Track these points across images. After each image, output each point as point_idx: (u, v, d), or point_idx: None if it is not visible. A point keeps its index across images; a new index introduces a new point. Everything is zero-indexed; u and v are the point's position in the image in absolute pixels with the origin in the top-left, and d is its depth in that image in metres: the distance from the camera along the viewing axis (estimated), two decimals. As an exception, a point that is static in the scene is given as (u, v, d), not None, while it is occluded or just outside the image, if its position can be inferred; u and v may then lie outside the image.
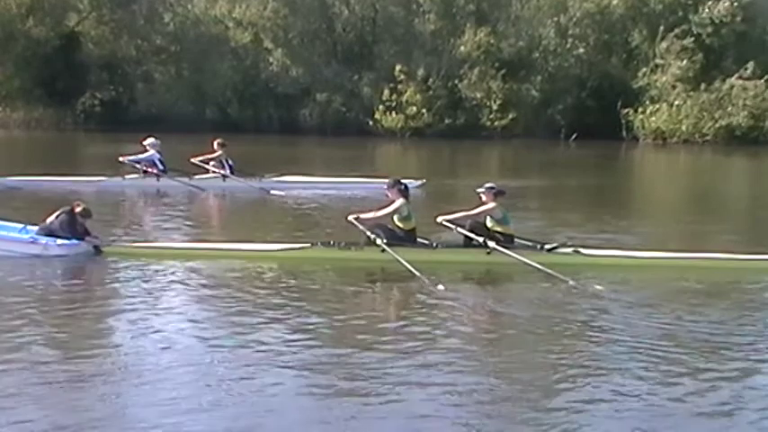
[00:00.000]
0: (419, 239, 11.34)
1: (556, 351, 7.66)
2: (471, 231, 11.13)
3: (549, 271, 10.14)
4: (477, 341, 8.20)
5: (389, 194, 11.48)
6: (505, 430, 5.96)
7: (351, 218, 11.34)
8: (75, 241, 11.21)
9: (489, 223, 11.25)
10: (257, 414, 6.13)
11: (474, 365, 7.29)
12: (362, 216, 11.31)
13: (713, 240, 13.17)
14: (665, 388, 6.69)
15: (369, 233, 11.09)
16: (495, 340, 8.30)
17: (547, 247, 11.22)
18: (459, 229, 11.22)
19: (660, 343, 7.85)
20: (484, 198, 11.34)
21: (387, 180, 12.00)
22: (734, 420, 6.20)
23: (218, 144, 19.66)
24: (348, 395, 6.45)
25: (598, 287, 9.82)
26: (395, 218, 11.27)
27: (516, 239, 11.29)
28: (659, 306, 9.35)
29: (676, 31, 40.53)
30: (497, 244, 10.94)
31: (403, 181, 11.81)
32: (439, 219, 11.39)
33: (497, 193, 11.33)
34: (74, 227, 11.33)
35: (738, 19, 40.79)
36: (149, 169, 19.17)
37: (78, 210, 11.51)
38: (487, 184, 11.48)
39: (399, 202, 11.25)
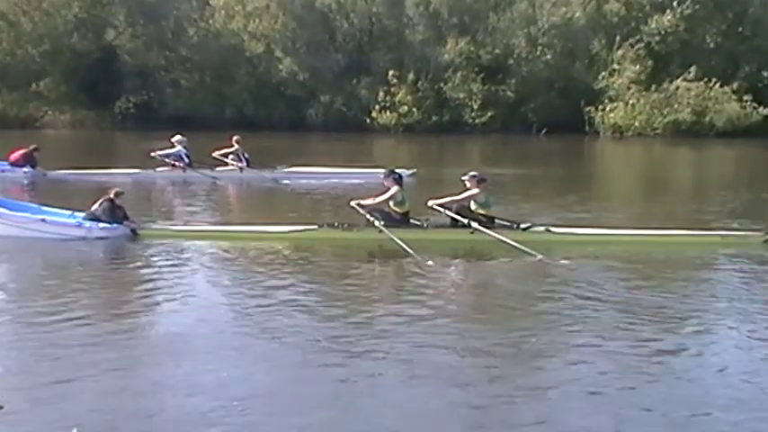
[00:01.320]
0: (412, 221, 11.27)
1: (528, 315, 7.67)
2: (457, 214, 11.08)
3: (524, 248, 10.08)
4: (461, 308, 8.18)
5: (385, 183, 11.40)
6: (486, 382, 5.92)
7: (353, 203, 11.28)
8: (115, 225, 11.16)
9: (473, 206, 11.17)
10: (271, 371, 6.12)
11: (458, 328, 7.27)
12: (363, 202, 11.26)
13: (665, 219, 13.15)
14: (622, 345, 6.69)
15: (368, 216, 11.04)
16: (477, 307, 8.29)
17: (522, 226, 11.16)
18: (447, 212, 11.16)
19: (617, 306, 7.87)
20: (468, 185, 11.25)
21: (383, 170, 11.93)
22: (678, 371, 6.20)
23: (235, 140, 19.53)
24: (349, 355, 6.41)
25: (564, 261, 9.78)
26: (391, 203, 11.19)
27: (496, 220, 11.22)
28: (618, 276, 9.34)
29: (630, 40, 40.41)
30: (479, 224, 10.88)
31: (397, 171, 11.74)
32: (430, 203, 11.32)
33: (480, 180, 11.25)
34: (114, 212, 11.28)
35: (681, 29, 40.72)
36: (177, 163, 19.06)
37: (113, 194, 11.47)
38: (471, 173, 11.40)
39: (394, 189, 11.18)
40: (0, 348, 6.64)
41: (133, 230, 11.20)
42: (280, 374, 6.08)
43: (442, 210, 11.22)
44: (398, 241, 10.20)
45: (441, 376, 6.02)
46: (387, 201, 11.19)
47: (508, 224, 11.21)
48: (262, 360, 6.34)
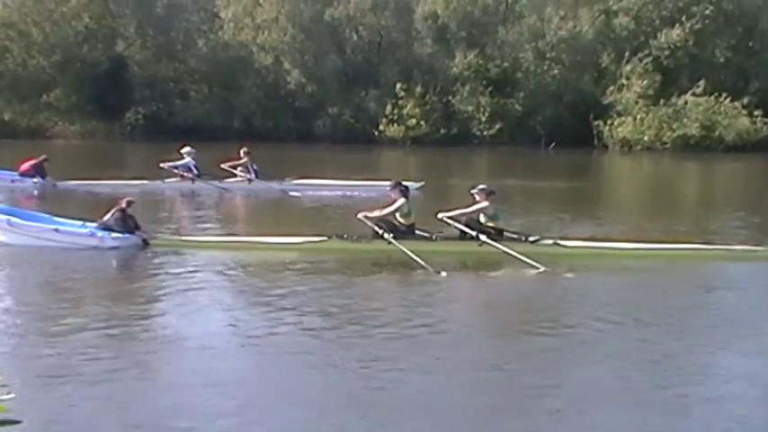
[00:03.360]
0: (419, 233, 11.36)
1: (538, 328, 7.73)
2: (466, 226, 11.18)
3: (528, 260, 10.14)
4: (469, 319, 8.26)
5: (392, 195, 11.53)
6: (500, 397, 6.02)
7: (360, 215, 11.40)
8: (127, 235, 11.29)
9: (482, 219, 11.27)
10: (281, 382, 6.19)
11: (466, 340, 7.35)
12: (369, 214, 11.37)
13: (672, 232, 13.20)
14: (631, 358, 6.78)
15: (376, 228, 11.14)
16: (487, 320, 8.38)
17: (530, 239, 11.25)
18: (456, 224, 11.26)
19: (625, 320, 7.97)
20: (477, 198, 11.36)
21: (389, 182, 12.05)
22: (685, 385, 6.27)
23: (244, 152, 19.65)
24: (362, 367, 6.50)
25: (568, 275, 9.83)
26: (397, 215, 11.30)
27: (505, 233, 11.30)
28: (626, 289, 9.45)
29: (639, 54, 40.49)
30: (488, 237, 10.97)
31: (404, 183, 11.86)
32: (440, 215, 11.42)
33: (489, 193, 11.37)
34: (126, 222, 11.41)
35: (690, 43, 40.81)
36: (185, 174, 19.19)
37: (124, 204, 11.59)
38: (480, 186, 11.51)
39: (401, 201, 11.30)
40: (15, 358, 6.74)
41: (144, 240, 11.33)
42: (291, 385, 6.16)
43: (451, 222, 11.32)
44: (410, 253, 10.28)
45: (454, 389, 6.10)
46: (393, 213, 11.30)
47: (516, 237, 11.30)
48: (271, 372, 6.41)
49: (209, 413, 5.54)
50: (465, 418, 5.53)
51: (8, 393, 2.48)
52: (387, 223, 11.21)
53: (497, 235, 11.12)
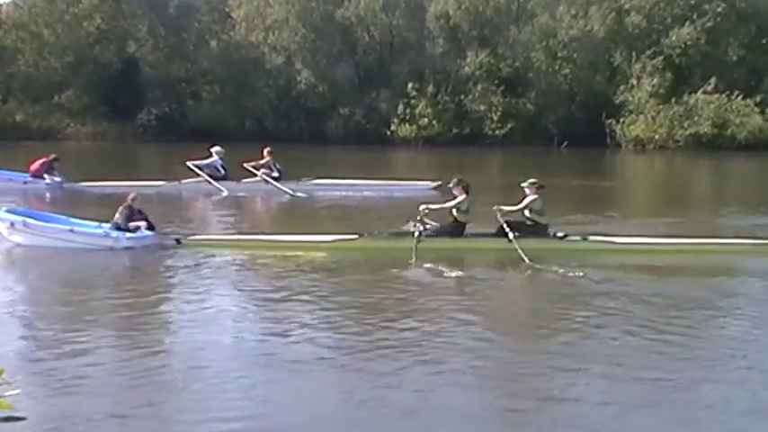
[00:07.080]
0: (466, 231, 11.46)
1: (559, 319, 7.88)
2: (507, 224, 11.17)
3: (541, 266, 10.20)
4: (496, 311, 8.35)
5: (454, 191, 11.59)
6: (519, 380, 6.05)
7: (421, 207, 11.48)
8: (142, 235, 11.30)
9: (528, 213, 11.34)
10: (312, 382, 6.20)
11: (501, 341, 7.36)
12: (431, 206, 11.47)
13: (688, 227, 13.29)
14: (663, 353, 6.85)
15: (413, 227, 11.19)
16: (511, 317, 8.52)
17: (559, 235, 11.40)
18: (500, 219, 11.27)
19: (643, 310, 8.11)
20: (527, 191, 11.44)
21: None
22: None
23: (268, 152, 19.53)
24: (390, 362, 6.53)
25: (579, 273, 9.82)
26: (454, 210, 11.38)
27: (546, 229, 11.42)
28: (649, 281, 9.54)
29: (648, 52, 40.44)
30: (525, 231, 11.06)
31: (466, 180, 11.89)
32: (494, 207, 11.45)
33: (539, 187, 11.46)
34: (133, 217, 11.44)
35: (702, 41, 40.77)
36: (205, 175, 18.95)
37: (130, 200, 11.63)
38: (531, 180, 11.63)
39: (462, 197, 11.38)
40: (21, 355, 6.71)
41: (177, 240, 11.35)
42: (322, 387, 6.17)
43: (499, 215, 11.34)
44: (413, 252, 10.38)
45: (489, 393, 6.12)
46: (453, 208, 11.41)
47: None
48: (303, 376, 6.34)
49: (222, 414, 5.54)
50: (501, 423, 5.56)
51: (13, 390, 2.50)
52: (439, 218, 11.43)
53: (541, 230, 11.29)
